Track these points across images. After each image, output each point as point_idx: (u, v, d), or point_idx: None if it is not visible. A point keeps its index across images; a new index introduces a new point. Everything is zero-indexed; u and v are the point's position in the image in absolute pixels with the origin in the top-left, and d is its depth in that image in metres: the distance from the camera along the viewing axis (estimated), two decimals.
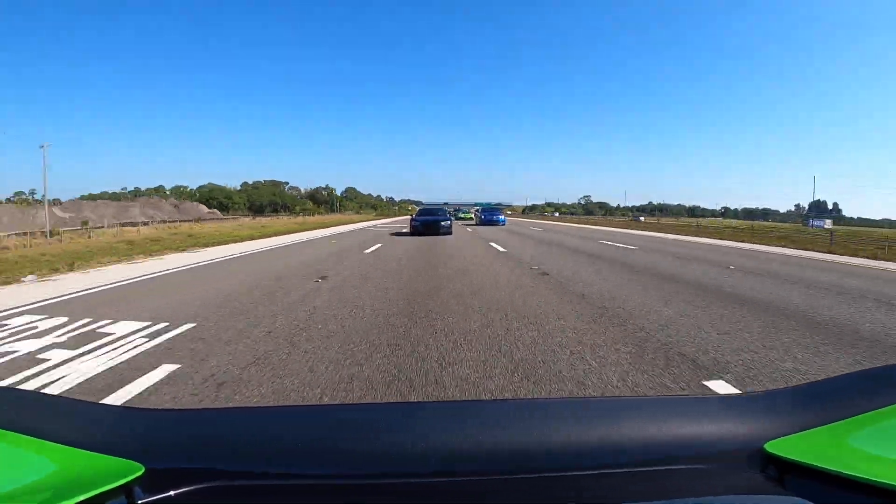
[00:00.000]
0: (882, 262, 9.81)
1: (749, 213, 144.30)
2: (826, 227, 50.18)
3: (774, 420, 0.56)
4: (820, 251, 12.16)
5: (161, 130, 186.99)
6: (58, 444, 0.51)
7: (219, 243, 12.31)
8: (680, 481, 0.51)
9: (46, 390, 2.18)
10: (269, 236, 15.42)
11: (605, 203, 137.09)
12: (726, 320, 3.63)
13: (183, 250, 10.13)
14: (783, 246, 13.76)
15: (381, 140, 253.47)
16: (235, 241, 13.04)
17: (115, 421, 0.59)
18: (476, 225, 26.69)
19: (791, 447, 0.50)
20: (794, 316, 3.86)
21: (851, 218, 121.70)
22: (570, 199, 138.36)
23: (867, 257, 10.78)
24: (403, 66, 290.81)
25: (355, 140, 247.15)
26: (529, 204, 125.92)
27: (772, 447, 0.51)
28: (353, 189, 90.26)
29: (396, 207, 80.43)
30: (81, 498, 0.41)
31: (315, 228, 21.32)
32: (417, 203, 75.24)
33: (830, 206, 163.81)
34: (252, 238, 14.48)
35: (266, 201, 60.88)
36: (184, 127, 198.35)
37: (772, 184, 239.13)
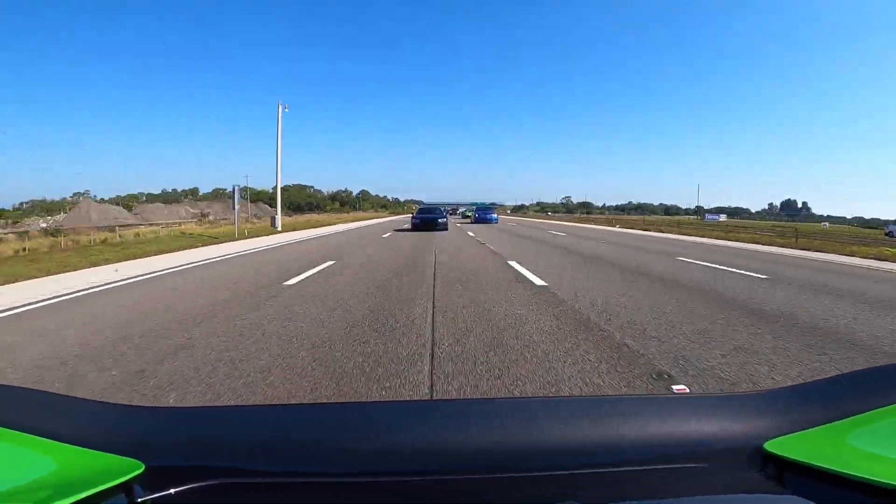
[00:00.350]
0: (703, 238, 16.73)
1: (724, 212, 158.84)
2: (720, 220, 65.50)
3: (774, 419, 0.56)
4: (673, 233, 19.92)
5: (160, 131, 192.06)
6: (58, 443, 0.51)
7: (354, 220, 28.46)
8: (680, 480, 0.51)
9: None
10: (360, 221, 31.73)
11: (588, 203, 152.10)
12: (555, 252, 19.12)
13: (362, 220, 26.81)
14: (654, 230, 22.52)
15: (381, 140, 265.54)
16: (354, 221, 29.10)
17: (115, 419, 0.59)
18: (471, 223, 27.56)
19: (790, 446, 0.50)
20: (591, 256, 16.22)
21: (821, 216, 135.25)
22: (555, 198, 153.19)
23: (695, 235, 18.04)
24: (403, 66, 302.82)
25: (356, 140, 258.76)
26: (518, 204, 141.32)
27: (771, 446, 0.51)
28: (366, 191, 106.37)
29: (404, 207, 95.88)
30: (82, 496, 0.40)
31: (367, 219, 37.04)
32: (419, 203, 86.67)
33: (800, 205, 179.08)
34: (355, 221, 30.73)
35: (303, 202, 76.64)
36: (179, 128, 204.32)
37: (749, 184, 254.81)
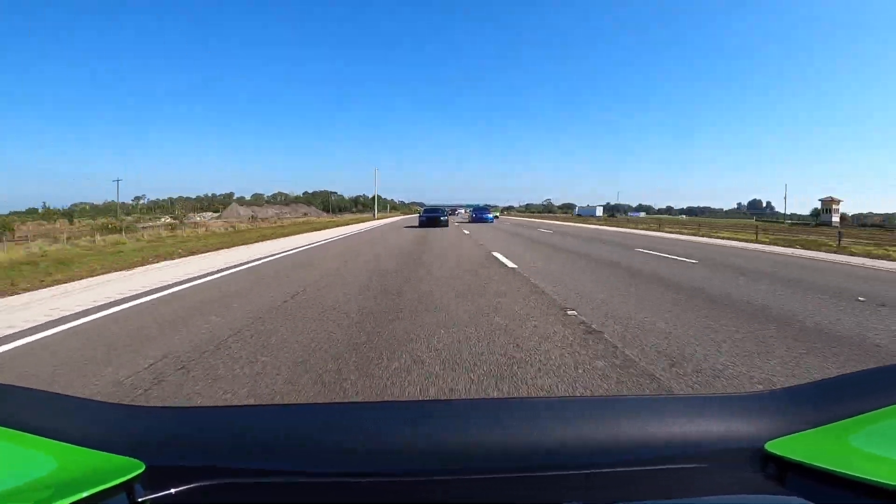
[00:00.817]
0: (613, 227, 30.10)
1: (692, 211, 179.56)
2: (640, 216, 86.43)
3: (775, 420, 0.56)
4: (595, 224, 34.72)
5: (159, 135, 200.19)
6: (59, 442, 0.51)
7: (383, 219, 50.23)
8: (680, 480, 0.51)
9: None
10: (387, 219, 53.28)
11: (570, 204, 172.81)
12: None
13: (388, 218, 48.82)
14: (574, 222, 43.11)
15: (382, 144, 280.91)
16: (384, 219, 50.65)
17: (116, 419, 0.60)
18: (468, 223, 29.56)
19: (791, 447, 0.51)
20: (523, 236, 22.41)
21: (783, 214, 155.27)
22: (540, 199, 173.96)
23: (612, 225, 32.31)
24: (403, 66, 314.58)
25: (358, 144, 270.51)
26: (508, 205, 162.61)
27: (772, 447, 0.51)
28: (379, 196, 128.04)
29: (410, 208, 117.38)
30: (83, 495, 0.41)
31: (391, 217, 58.00)
32: (422, 205, 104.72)
33: (765, 204, 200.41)
34: (383, 219, 52.43)
35: (334, 205, 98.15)
36: (182, 131, 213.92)
37: (724, 186, 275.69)
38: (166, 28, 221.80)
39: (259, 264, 8.64)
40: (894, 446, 0.51)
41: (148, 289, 5.72)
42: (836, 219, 54.71)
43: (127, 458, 0.48)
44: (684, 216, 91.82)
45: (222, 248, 12.31)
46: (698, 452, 0.53)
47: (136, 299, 5.07)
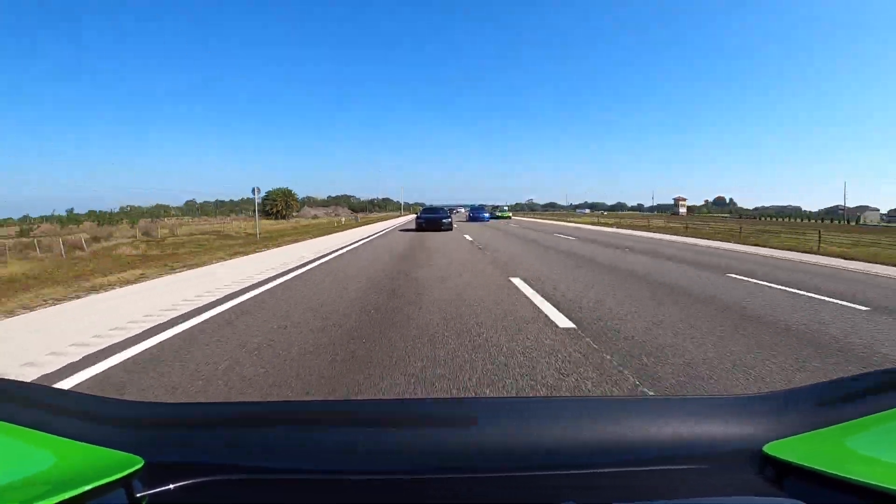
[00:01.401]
0: (552, 220, 48.16)
1: (663, 208, 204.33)
2: (586, 213, 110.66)
3: (773, 422, 0.57)
4: (537, 218, 60.50)
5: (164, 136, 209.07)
6: (58, 437, 0.51)
7: (397, 217, 76.11)
8: (679, 481, 0.51)
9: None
10: (400, 218, 79.03)
11: (554, 203, 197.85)
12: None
13: (402, 217, 74.69)
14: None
15: (381, 142, 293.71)
16: (397, 218, 76.33)
17: (115, 415, 0.60)
18: (464, 221, 32.90)
19: (789, 449, 0.51)
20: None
21: (746, 208, 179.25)
22: (536, 198, 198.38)
23: (555, 220, 49.78)
24: (403, 66, 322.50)
25: (355, 142, 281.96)
26: (497, 204, 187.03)
27: (770, 449, 0.51)
28: (388, 199, 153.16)
29: (413, 208, 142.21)
30: (81, 490, 0.41)
31: (403, 216, 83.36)
32: (423, 205, 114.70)
33: (728, 200, 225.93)
34: (397, 218, 78.42)
35: (356, 206, 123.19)
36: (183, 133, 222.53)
37: (693, 183, 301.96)
38: (167, 28, 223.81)
39: (400, 224, 33.74)
40: (892, 449, 0.51)
41: (386, 226, 31.00)
42: (682, 210, 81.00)
43: (125, 453, 0.48)
44: (603, 213, 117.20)
45: (365, 225, 37.41)
46: (697, 453, 0.53)
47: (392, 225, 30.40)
